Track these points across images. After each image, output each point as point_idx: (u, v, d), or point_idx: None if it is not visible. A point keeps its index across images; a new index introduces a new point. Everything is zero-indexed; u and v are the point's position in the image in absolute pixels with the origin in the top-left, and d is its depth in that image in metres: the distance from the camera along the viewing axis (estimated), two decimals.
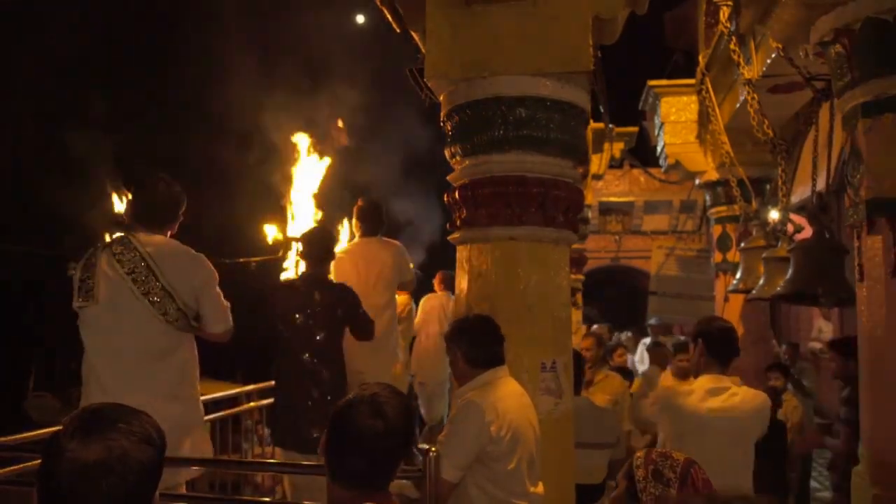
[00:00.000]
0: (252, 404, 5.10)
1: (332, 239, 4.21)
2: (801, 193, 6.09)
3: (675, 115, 7.31)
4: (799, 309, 9.43)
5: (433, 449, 2.39)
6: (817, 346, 8.38)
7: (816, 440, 4.80)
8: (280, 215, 5.31)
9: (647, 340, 9.57)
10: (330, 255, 4.09)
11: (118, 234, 2.99)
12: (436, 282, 7.02)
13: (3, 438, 3.26)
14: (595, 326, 9.67)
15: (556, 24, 2.83)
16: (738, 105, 5.53)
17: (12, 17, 16.11)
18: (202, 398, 3.16)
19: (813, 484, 5.71)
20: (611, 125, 8.72)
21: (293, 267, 5.04)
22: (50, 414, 13.21)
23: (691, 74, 7.36)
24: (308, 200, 5.31)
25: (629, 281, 17.01)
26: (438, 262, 7.17)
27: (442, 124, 3.11)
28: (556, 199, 2.91)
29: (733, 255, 6.88)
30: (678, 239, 13.64)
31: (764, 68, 4.76)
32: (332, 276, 4.18)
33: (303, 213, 5.28)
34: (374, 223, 4.69)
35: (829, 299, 4.46)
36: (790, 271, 4.28)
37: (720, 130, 6.07)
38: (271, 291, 4.02)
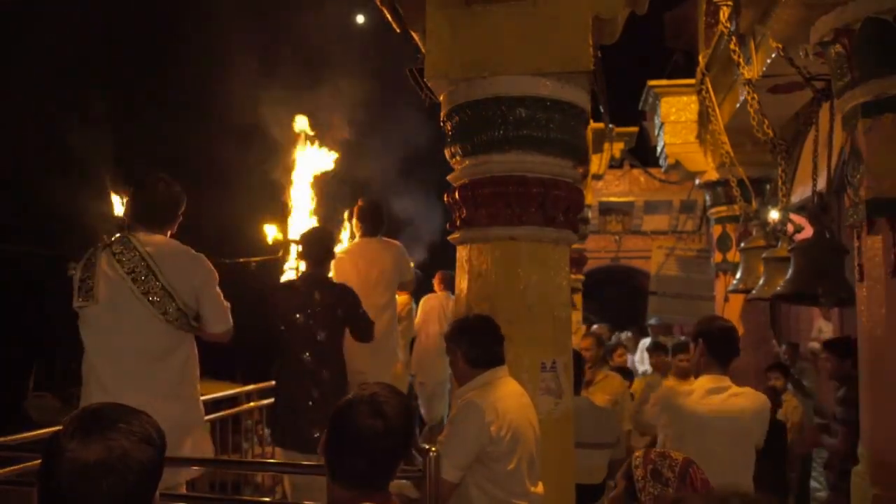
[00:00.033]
0: (252, 404, 5.10)
1: (331, 239, 4.21)
2: (801, 193, 6.09)
3: (675, 115, 7.31)
4: (799, 309, 9.43)
5: (433, 449, 2.38)
6: (817, 346, 8.38)
7: (814, 439, 4.80)
8: (280, 215, 5.31)
9: (647, 340, 9.57)
10: (330, 254, 4.09)
11: (118, 234, 2.99)
12: (435, 282, 7.02)
13: (3, 438, 3.26)
14: (595, 326, 9.67)
15: (556, 24, 2.83)
16: (738, 105, 5.53)
17: (12, 17, 16.11)
18: (202, 398, 3.16)
19: (813, 484, 5.70)
20: (611, 125, 8.73)
21: (294, 269, 5.05)
22: (50, 414, 13.22)
23: (691, 74, 7.36)
24: (308, 200, 5.31)
25: (629, 281, 17.01)
26: (438, 261, 7.17)
27: (442, 124, 3.11)
28: (556, 199, 2.91)
29: (733, 255, 6.88)
30: (678, 239, 13.63)
31: (764, 68, 4.76)
32: (332, 276, 4.18)
33: (303, 213, 5.29)
34: (375, 223, 4.69)
35: (829, 299, 4.46)
36: (790, 271, 4.28)
37: (720, 130, 6.07)
38: (271, 291, 4.02)
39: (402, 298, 5.79)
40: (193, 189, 3.31)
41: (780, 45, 4.11)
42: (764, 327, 6.97)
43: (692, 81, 7.12)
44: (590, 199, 10.30)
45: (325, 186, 5.47)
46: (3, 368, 15.17)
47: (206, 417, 3.37)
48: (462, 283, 3.04)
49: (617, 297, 17.11)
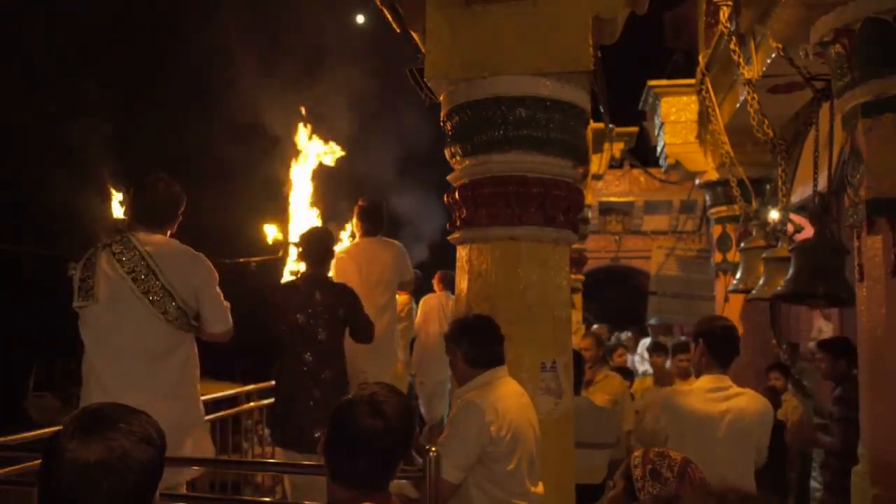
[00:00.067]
0: (252, 404, 5.10)
1: (331, 238, 4.20)
2: (801, 193, 6.09)
3: (675, 115, 7.31)
4: (799, 309, 9.42)
5: (433, 449, 2.38)
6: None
7: (810, 437, 4.79)
8: (281, 215, 5.32)
9: (647, 340, 9.57)
10: (329, 254, 4.09)
11: (118, 234, 2.99)
12: (435, 281, 7.02)
13: (3, 438, 3.26)
14: (595, 326, 9.68)
15: (556, 24, 2.83)
16: (738, 105, 5.53)
17: (12, 16, 16.11)
18: (202, 398, 3.16)
19: (812, 484, 5.70)
20: (611, 125, 8.73)
21: (295, 273, 5.04)
22: (50, 414, 13.23)
23: (691, 74, 7.36)
24: (309, 200, 5.31)
25: (629, 281, 17.02)
26: (438, 261, 7.17)
27: (442, 124, 3.11)
28: (557, 199, 2.91)
29: (733, 255, 6.88)
30: (678, 239, 13.64)
31: (764, 68, 4.76)
32: (332, 276, 4.18)
33: (303, 213, 5.29)
34: (376, 223, 4.69)
35: (830, 299, 4.46)
36: (791, 271, 4.28)
37: (720, 130, 6.07)
38: (272, 291, 4.02)
39: (402, 298, 5.79)
40: (193, 189, 3.31)
41: (780, 45, 4.11)
42: (764, 327, 6.97)
43: (692, 81, 7.12)
44: (590, 199, 10.30)
45: (326, 186, 5.48)
46: (3, 368, 15.17)
47: (206, 417, 3.38)
48: (462, 283, 3.04)
49: (617, 297, 17.12)
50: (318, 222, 5.36)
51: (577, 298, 9.26)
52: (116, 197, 4.11)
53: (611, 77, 6.20)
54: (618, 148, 9.75)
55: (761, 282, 5.12)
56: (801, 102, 5.18)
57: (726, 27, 5.10)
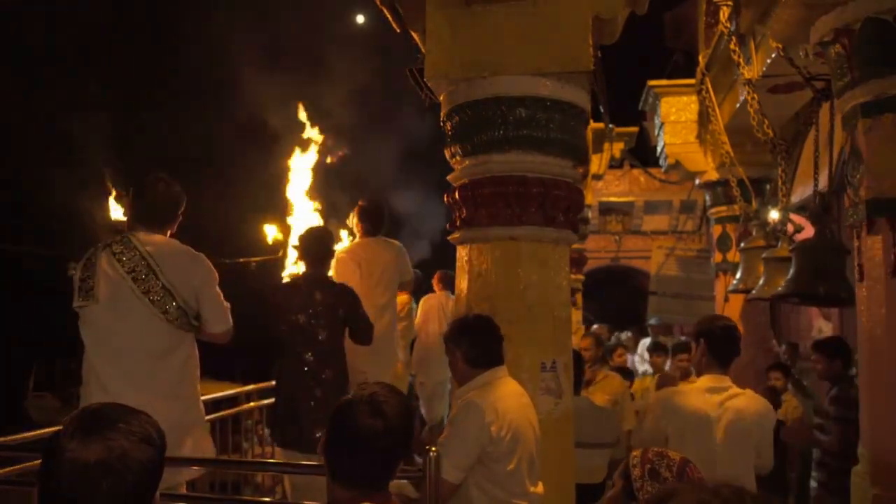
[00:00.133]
0: (252, 404, 5.10)
1: (330, 238, 4.21)
2: (801, 193, 6.10)
3: (675, 115, 7.31)
4: (799, 309, 9.42)
5: (433, 449, 2.38)
6: None
7: (806, 435, 4.77)
8: (281, 215, 5.32)
9: (647, 340, 9.57)
10: (329, 254, 4.09)
11: (118, 234, 2.99)
12: (435, 281, 7.03)
13: (3, 438, 3.26)
14: (595, 326, 9.68)
15: (556, 24, 2.83)
16: (738, 105, 5.53)
17: (12, 15, 16.11)
18: (202, 398, 3.16)
19: (813, 484, 5.70)
20: (611, 125, 8.73)
21: (293, 274, 5.04)
22: (50, 414, 13.23)
23: (691, 74, 7.36)
24: (308, 200, 5.31)
25: (629, 281, 17.01)
26: (439, 261, 7.17)
27: (442, 124, 3.11)
28: (557, 199, 2.91)
29: (733, 255, 6.88)
30: (678, 239, 13.63)
31: (764, 68, 4.76)
32: (333, 276, 4.18)
33: (303, 213, 5.29)
34: (376, 223, 4.69)
35: (830, 299, 4.46)
36: (791, 271, 4.28)
37: (720, 130, 6.07)
38: (272, 291, 4.02)
39: (402, 298, 5.79)
40: (193, 189, 3.31)
41: (780, 45, 4.11)
42: (764, 327, 6.97)
43: (692, 81, 7.12)
44: (590, 199, 10.30)
45: (326, 185, 5.48)
46: (3, 368, 15.18)
47: (207, 417, 3.37)
48: (462, 283, 3.04)
49: (617, 297, 17.10)
50: (318, 221, 5.36)
51: (578, 298, 9.26)
52: (116, 197, 4.11)
53: (611, 77, 6.21)
54: (618, 148, 9.75)
55: (761, 282, 5.12)
56: (801, 102, 5.18)
57: (726, 27, 5.09)
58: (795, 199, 5.92)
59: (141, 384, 2.79)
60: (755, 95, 4.93)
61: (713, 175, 7.12)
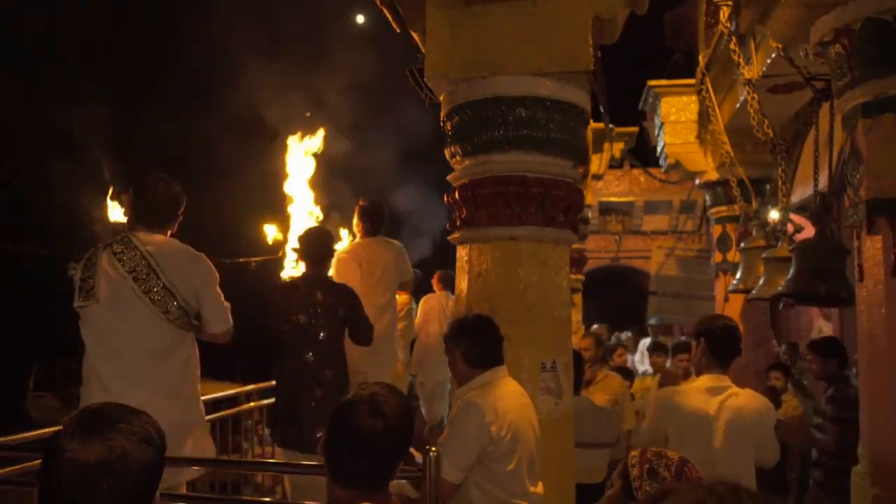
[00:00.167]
0: (252, 404, 5.10)
1: (330, 238, 4.20)
2: (801, 193, 6.10)
3: (675, 115, 7.31)
4: (799, 309, 9.41)
5: (433, 449, 2.38)
6: None
7: (801, 432, 4.77)
8: (281, 215, 5.31)
9: (647, 340, 9.57)
10: (329, 254, 4.09)
11: (119, 234, 2.99)
12: (435, 281, 7.03)
13: (3, 438, 3.26)
14: (595, 326, 9.68)
15: (556, 24, 2.83)
16: (738, 105, 5.53)
17: (12, 15, 16.11)
18: (202, 398, 3.16)
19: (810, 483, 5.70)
20: (611, 125, 8.74)
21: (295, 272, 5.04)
22: (50, 414, 13.23)
23: (691, 74, 7.36)
24: (309, 199, 5.31)
25: (629, 281, 17.01)
26: (439, 261, 7.17)
27: (442, 124, 3.11)
28: (557, 199, 2.91)
29: (733, 255, 6.88)
30: (678, 239, 13.63)
31: (764, 68, 4.76)
32: (333, 276, 4.18)
33: (303, 213, 5.28)
34: (376, 223, 4.69)
35: (830, 299, 4.46)
36: (791, 271, 4.28)
37: (720, 130, 6.07)
38: (272, 291, 4.02)
39: (402, 298, 5.79)
40: (193, 189, 3.31)
41: (780, 45, 4.11)
42: (764, 327, 6.97)
43: (692, 81, 7.12)
44: (590, 199, 10.30)
45: (326, 185, 5.47)
46: (3, 368, 15.17)
47: (207, 417, 3.38)
48: (462, 283, 3.04)
49: (617, 297, 17.10)
50: (318, 222, 5.36)
51: (578, 298, 9.26)
52: (115, 196, 4.11)
53: (611, 77, 6.21)
54: (618, 148, 9.75)
55: (761, 282, 5.12)
56: (801, 102, 5.18)
57: (726, 27, 5.09)
58: (795, 199, 5.92)
59: (141, 384, 2.79)
60: (755, 95, 4.93)
61: (713, 175, 7.13)
